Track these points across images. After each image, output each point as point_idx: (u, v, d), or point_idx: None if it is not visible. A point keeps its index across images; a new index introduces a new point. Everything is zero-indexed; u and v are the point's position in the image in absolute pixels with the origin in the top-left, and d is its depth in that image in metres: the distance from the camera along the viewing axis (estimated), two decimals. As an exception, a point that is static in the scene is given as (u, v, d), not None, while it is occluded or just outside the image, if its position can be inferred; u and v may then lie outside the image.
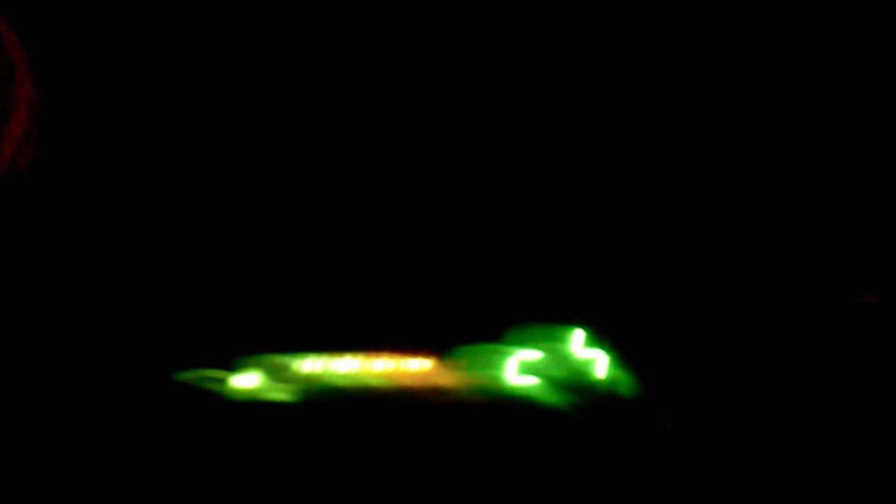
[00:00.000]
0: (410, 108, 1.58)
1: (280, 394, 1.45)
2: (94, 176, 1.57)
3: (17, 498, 1.42)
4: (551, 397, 1.44)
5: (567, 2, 1.57)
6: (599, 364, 1.45)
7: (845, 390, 1.43)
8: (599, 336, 1.46)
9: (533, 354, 1.45)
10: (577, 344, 1.46)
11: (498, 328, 1.46)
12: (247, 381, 1.45)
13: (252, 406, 1.45)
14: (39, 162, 1.54)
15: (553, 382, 1.44)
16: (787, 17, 1.54)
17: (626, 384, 1.44)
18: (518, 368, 1.45)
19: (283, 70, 1.60)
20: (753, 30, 1.55)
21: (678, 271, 1.50)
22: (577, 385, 1.44)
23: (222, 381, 1.45)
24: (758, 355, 1.45)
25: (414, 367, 1.45)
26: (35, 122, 1.53)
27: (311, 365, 1.46)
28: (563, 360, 1.45)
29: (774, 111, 1.54)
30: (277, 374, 1.45)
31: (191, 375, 1.45)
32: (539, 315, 1.47)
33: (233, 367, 1.46)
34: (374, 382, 1.45)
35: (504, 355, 1.45)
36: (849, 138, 1.53)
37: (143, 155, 1.58)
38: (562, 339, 1.46)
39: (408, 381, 1.45)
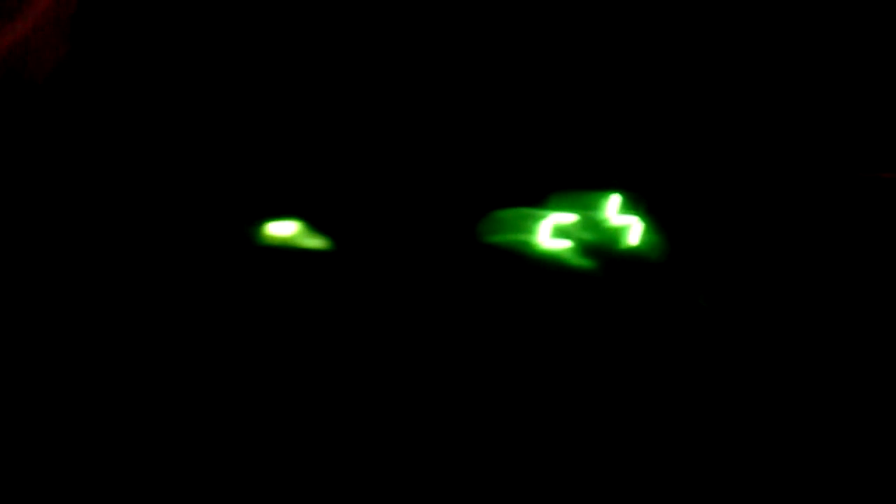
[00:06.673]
0: None
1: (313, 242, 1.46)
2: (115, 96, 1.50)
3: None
4: (582, 261, 1.44)
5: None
6: (633, 230, 1.44)
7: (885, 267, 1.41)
8: (635, 202, 1.45)
9: (567, 218, 1.45)
10: (612, 209, 1.45)
11: (536, 193, 1.47)
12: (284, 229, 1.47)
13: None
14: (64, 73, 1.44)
15: (585, 246, 1.44)
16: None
17: (659, 252, 1.43)
18: (551, 231, 1.45)
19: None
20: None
21: (725, 140, 1.49)
22: (608, 249, 1.44)
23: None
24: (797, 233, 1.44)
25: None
26: (59, 24, 1.42)
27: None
28: (597, 224, 1.45)
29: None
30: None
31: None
32: (577, 181, 1.47)
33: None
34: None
35: (538, 218, 1.45)
36: None
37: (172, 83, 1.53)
38: (597, 205, 1.45)
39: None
